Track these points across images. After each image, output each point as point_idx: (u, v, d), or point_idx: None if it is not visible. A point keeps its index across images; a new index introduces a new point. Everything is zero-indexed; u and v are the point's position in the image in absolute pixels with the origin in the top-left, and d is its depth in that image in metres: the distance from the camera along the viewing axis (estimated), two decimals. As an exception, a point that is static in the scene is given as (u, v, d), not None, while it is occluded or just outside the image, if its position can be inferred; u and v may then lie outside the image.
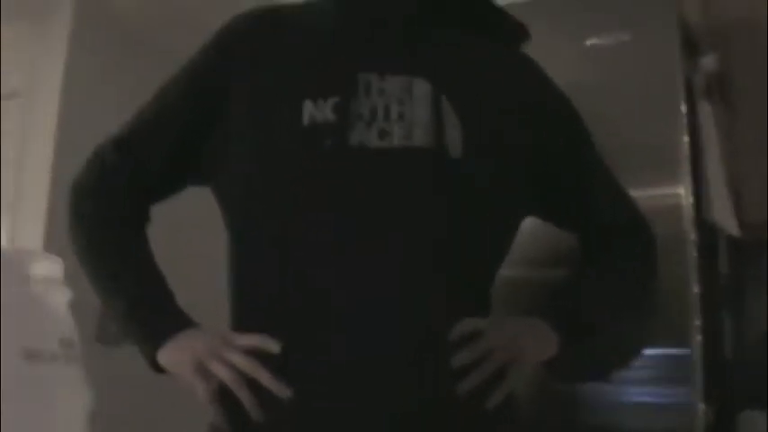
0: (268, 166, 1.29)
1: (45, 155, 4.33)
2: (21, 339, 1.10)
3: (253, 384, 1.20)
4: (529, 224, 1.45)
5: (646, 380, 1.93)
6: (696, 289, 1.95)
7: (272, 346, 1.19)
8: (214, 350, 1.23)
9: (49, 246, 3.81)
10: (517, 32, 1.51)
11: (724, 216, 2.14)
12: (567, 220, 1.50)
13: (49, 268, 1.22)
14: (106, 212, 1.41)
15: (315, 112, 1.26)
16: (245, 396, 1.20)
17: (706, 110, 2.19)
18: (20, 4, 4.53)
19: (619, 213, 1.50)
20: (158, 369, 1.30)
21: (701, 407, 1.88)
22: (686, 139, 2.06)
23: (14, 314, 1.08)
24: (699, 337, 1.92)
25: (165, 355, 1.28)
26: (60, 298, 1.21)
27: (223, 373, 1.21)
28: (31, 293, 1.16)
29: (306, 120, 1.26)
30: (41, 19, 4.58)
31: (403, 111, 1.27)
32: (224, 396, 1.23)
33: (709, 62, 2.27)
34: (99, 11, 4.57)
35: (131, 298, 1.34)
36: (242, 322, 1.31)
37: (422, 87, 1.29)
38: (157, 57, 4.72)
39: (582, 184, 1.47)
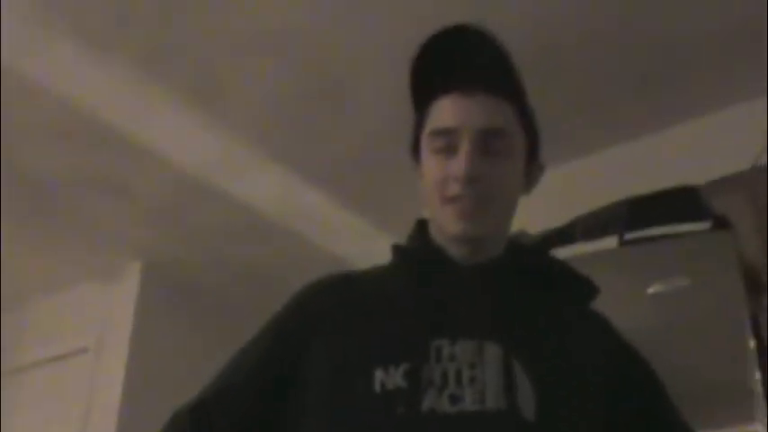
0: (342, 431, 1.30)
1: (111, 411, 4.40)
2: None
3: None
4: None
5: None
6: None
7: None
8: None
9: None
10: (587, 289, 1.51)
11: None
12: None
13: None
14: None
15: (386, 379, 1.27)
16: None
17: (776, 347, 2.18)
18: (91, 266, 4.74)
19: None
20: None
21: None
22: (758, 375, 2.04)
23: None
24: None
25: None
26: None
27: None
28: None
29: (377, 387, 1.27)
30: (111, 280, 4.78)
31: (474, 375, 1.27)
32: None
33: (774, 299, 2.28)
34: (165, 274, 4.76)
35: None
36: None
37: (493, 350, 1.29)
38: (223, 314, 4.88)
39: None
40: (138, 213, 4.24)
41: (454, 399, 1.25)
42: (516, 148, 1.41)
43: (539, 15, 2.93)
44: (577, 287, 1.52)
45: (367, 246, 4.22)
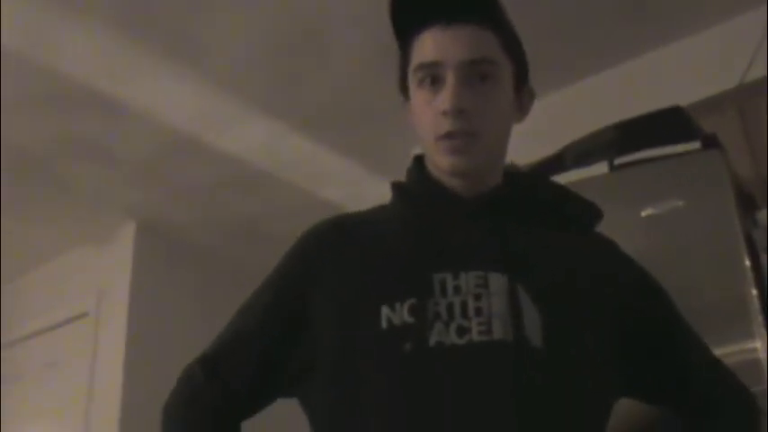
0: (351, 373, 1.30)
1: (116, 372, 4.44)
2: None
3: None
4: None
5: None
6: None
7: None
8: None
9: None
10: (590, 214, 1.51)
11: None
12: (665, 395, 1.47)
13: None
14: None
15: (392, 315, 1.28)
16: None
17: (770, 263, 2.19)
18: (84, 230, 4.75)
19: (719, 382, 1.47)
20: None
21: None
22: (755, 292, 2.04)
23: None
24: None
25: None
26: None
27: None
28: None
29: (384, 324, 1.28)
30: (106, 243, 4.80)
31: (480, 306, 1.27)
32: None
33: (766, 216, 2.28)
34: (160, 232, 4.77)
35: None
36: None
37: (497, 280, 1.30)
38: (220, 270, 4.88)
39: (677, 358, 1.45)
40: (128, 175, 4.24)
41: (461, 331, 1.26)
42: (502, 77, 1.40)
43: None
44: (580, 212, 1.51)
45: (358, 189, 4.21)
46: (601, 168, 2.29)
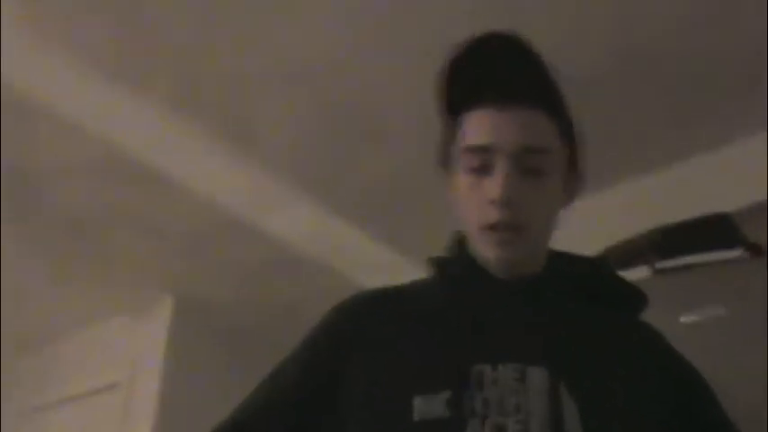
0: None
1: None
2: None
3: None
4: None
5: None
6: None
7: None
8: None
9: None
10: (636, 300, 1.46)
11: None
12: None
13: None
14: None
15: (425, 408, 1.22)
16: None
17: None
18: (123, 300, 4.79)
19: None
20: None
21: None
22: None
23: None
24: None
25: None
26: None
27: None
28: None
29: (416, 416, 1.22)
30: (142, 315, 4.82)
31: (518, 402, 1.21)
32: None
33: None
34: (197, 309, 4.78)
35: None
36: None
37: (537, 375, 1.24)
38: (255, 351, 4.87)
39: None
40: (170, 249, 4.27)
41: (497, 429, 1.19)
42: (556, 165, 1.35)
43: (567, 46, 2.93)
44: (626, 297, 1.46)
45: (401, 279, 4.20)
46: (642, 271, 2.29)
